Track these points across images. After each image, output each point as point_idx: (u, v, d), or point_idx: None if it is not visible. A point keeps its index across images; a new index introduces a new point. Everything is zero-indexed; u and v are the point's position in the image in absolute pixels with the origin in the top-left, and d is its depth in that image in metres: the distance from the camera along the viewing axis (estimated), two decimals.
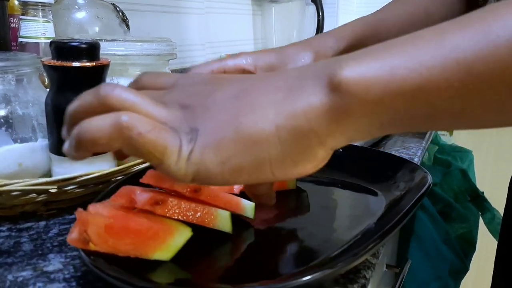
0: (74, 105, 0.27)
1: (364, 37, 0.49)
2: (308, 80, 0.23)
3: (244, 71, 0.42)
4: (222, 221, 0.34)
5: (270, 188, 0.34)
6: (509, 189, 0.70)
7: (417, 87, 0.21)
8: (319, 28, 1.51)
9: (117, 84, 0.26)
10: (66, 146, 0.26)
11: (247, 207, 0.37)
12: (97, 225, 0.27)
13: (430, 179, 0.40)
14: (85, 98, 0.27)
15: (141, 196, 0.33)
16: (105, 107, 0.25)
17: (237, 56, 0.42)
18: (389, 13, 0.55)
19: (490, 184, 1.23)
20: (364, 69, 0.22)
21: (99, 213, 0.28)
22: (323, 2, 1.54)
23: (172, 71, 0.55)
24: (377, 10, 0.56)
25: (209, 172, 0.24)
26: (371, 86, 0.21)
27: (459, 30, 0.21)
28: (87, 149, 0.25)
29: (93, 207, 0.29)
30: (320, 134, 0.23)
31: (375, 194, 0.43)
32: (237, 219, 0.36)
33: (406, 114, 0.22)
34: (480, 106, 0.21)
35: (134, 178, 0.42)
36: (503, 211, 0.73)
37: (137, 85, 0.31)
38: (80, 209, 0.28)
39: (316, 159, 0.24)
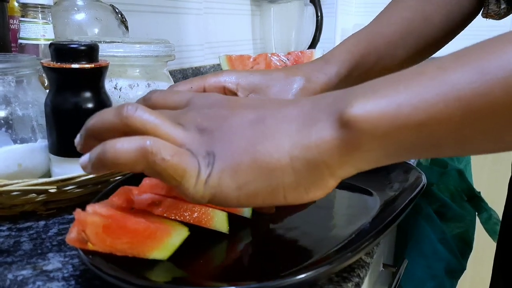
0: (95, 120, 0.28)
1: (362, 57, 0.49)
2: (320, 113, 0.25)
3: (225, 89, 0.42)
4: (218, 221, 0.35)
5: None
6: (509, 189, 0.71)
7: (421, 122, 0.22)
8: (318, 28, 1.52)
9: (137, 105, 0.27)
10: (85, 161, 0.27)
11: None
12: (95, 225, 0.28)
13: (424, 179, 0.41)
14: (107, 116, 0.27)
15: (139, 196, 0.34)
16: (126, 128, 0.26)
17: (219, 74, 0.42)
18: (385, 22, 0.53)
19: (487, 184, 1.24)
20: (372, 107, 0.23)
21: (97, 213, 0.28)
22: (321, 2, 1.54)
23: (171, 72, 0.56)
24: (373, 20, 0.55)
25: (226, 196, 0.25)
26: (378, 122, 0.23)
27: (460, 67, 0.22)
28: (108, 168, 0.26)
29: (91, 207, 0.29)
30: (331, 166, 0.25)
31: (370, 194, 0.43)
32: (234, 219, 0.36)
33: (411, 145, 0.24)
34: (480, 137, 0.23)
35: (132, 179, 0.43)
36: (499, 211, 0.74)
37: (148, 103, 0.31)
38: (78, 209, 0.28)
39: (327, 187, 0.26)
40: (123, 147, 0.25)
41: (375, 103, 0.23)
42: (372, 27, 0.53)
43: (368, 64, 0.49)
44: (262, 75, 0.43)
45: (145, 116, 0.26)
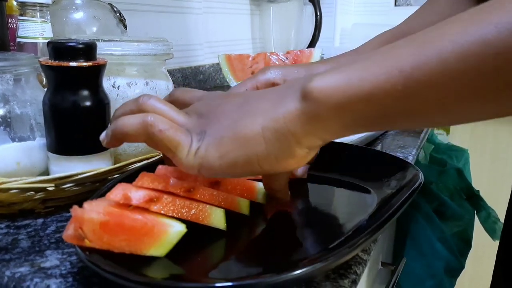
0: (119, 110, 0.35)
1: None
2: (289, 91, 0.29)
3: (274, 84, 0.45)
4: (216, 218, 0.35)
5: (286, 185, 0.38)
6: None
7: (369, 93, 0.26)
8: (317, 28, 1.52)
9: (152, 95, 0.34)
10: (102, 135, 0.34)
11: (242, 203, 0.38)
12: (92, 222, 0.28)
13: (421, 177, 0.41)
14: (128, 104, 0.35)
15: (136, 193, 0.34)
16: (140, 111, 0.32)
17: (267, 71, 0.47)
18: (412, 24, 0.59)
19: (485, 183, 1.24)
20: (327, 80, 0.27)
21: (94, 210, 0.28)
22: (321, 2, 1.54)
23: (170, 71, 0.56)
24: (401, 23, 0.60)
25: (211, 164, 0.29)
26: (332, 93, 0.26)
27: (407, 43, 0.26)
28: (118, 139, 0.33)
29: (88, 205, 0.30)
30: (296, 135, 0.28)
31: (368, 192, 0.44)
32: (231, 216, 0.36)
33: (365, 117, 0.27)
34: (425, 108, 0.25)
35: (130, 177, 0.43)
36: (498, 209, 0.74)
37: (171, 98, 0.39)
38: (75, 206, 0.28)
39: (296, 157, 0.29)
40: (129, 121, 0.31)
41: (330, 77, 0.27)
42: (402, 27, 0.59)
43: None
44: (306, 69, 0.47)
45: (155, 103, 0.32)
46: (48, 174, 0.47)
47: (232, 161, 0.29)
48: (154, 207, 0.34)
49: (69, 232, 0.28)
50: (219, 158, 0.29)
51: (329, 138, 0.29)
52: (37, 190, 0.41)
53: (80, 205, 0.30)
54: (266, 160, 0.28)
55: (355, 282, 0.33)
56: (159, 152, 0.43)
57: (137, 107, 0.33)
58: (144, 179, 0.34)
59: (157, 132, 0.30)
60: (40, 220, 0.42)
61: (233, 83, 1.18)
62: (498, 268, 0.70)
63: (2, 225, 0.41)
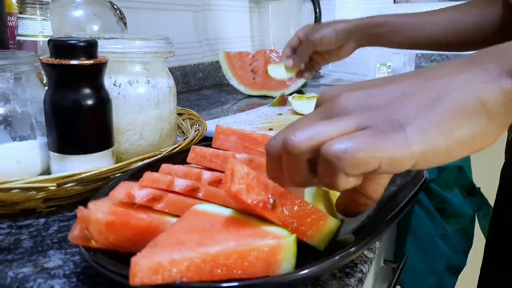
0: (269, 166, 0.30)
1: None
2: (487, 65, 0.27)
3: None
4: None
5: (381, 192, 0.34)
6: (501, 177, 0.72)
7: None
8: None
9: (293, 132, 0.27)
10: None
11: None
12: (98, 222, 0.27)
13: (426, 174, 0.41)
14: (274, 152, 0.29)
15: (140, 192, 0.34)
16: (303, 156, 0.27)
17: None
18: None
19: (486, 180, 1.24)
20: None
21: (99, 211, 0.28)
22: None
23: (169, 68, 0.55)
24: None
25: (435, 148, 0.26)
26: None
27: None
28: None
29: (93, 205, 0.29)
30: None
31: None
32: None
33: None
34: None
35: (132, 175, 0.43)
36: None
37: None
38: (81, 207, 0.28)
39: (507, 126, 0.28)
40: (343, 181, 0.26)
41: None
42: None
43: (390, 27, 0.80)
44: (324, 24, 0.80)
45: (306, 135, 0.27)
46: (49, 173, 0.47)
47: (459, 140, 0.26)
48: (158, 206, 0.34)
49: (75, 233, 0.28)
50: (444, 138, 0.26)
51: None
52: (38, 189, 0.41)
53: (83, 204, 0.30)
54: (488, 132, 0.27)
55: (361, 280, 0.33)
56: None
57: (292, 156, 0.27)
58: (147, 180, 0.34)
59: (348, 159, 0.25)
60: (42, 220, 0.42)
61: (232, 80, 1.18)
62: (488, 247, 0.72)
63: (4, 225, 0.41)
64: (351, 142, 0.25)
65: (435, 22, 0.78)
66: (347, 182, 0.26)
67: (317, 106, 0.31)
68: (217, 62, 1.37)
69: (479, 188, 0.96)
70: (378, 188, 0.31)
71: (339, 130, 0.26)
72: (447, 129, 0.26)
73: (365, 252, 0.36)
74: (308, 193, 0.36)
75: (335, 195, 0.37)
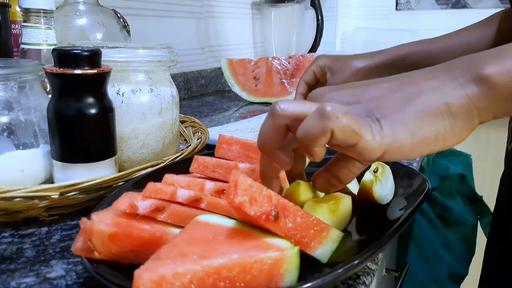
0: (265, 129, 0.32)
1: (408, 53, 0.74)
2: (456, 72, 0.31)
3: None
4: None
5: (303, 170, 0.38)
6: (500, 184, 0.72)
7: None
8: (318, 32, 1.52)
9: (280, 103, 0.30)
10: (283, 160, 0.32)
11: None
12: (101, 234, 0.27)
13: (428, 185, 0.41)
14: (265, 123, 0.31)
15: (143, 202, 0.34)
16: (285, 122, 0.30)
17: (318, 59, 0.66)
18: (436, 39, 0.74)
19: (489, 188, 1.24)
20: (501, 67, 0.29)
21: (102, 222, 0.28)
22: (322, 6, 1.54)
23: (172, 75, 0.55)
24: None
25: (401, 143, 0.29)
26: (508, 79, 0.29)
27: None
28: (306, 150, 0.30)
29: (96, 216, 0.29)
30: (480, 109, 0.30)
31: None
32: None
33: None
34: None
35: (135, 184, 0.43)
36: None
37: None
38: (84, 219, 0.28)
39: (472, 129, 0.31)
40: (307, 125, 0.28)
41: (504, 64, 0.30)
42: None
43: (412, 60, 0.74)
44: (341, 62, 0.70)
45: (292, 108, 0.30)
46: (52, 181, 0.47)
47: (422, 139, 0.29)
48: (161, 217, 0.34)
49: (78, 245, 0.28)
50: (410, 136, 0.29)
51: (500, 116, 0.31)
52: (41, 198, 0.41)
53: (85, 213, 0.30)
54: (451, 134, 0.30)
55: None
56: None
57: (275, 116, 0.30)
58: (150, 190, 0.34)
59: (343, 117, 0.27)
60: (44, 229, 0.42)
61: (235, 87, 1.18)
62: (489, 247, 0.72)
63: (6, 234, 0.41)
64: (344, 109, 0.28)
65: (454, 47, 0.77)
66: (321, 147, 0.29)
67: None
68: (219, 68, 1.38)
69: (481, 196, 0.96)
70: (349, 174, 0.34)
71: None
72: (413, 129, 0.29)
73: (368, 264, 0.36)
74: (308, 205, 0.36)
75: (335, 209, 0.37)
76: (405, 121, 0.29)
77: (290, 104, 0.30)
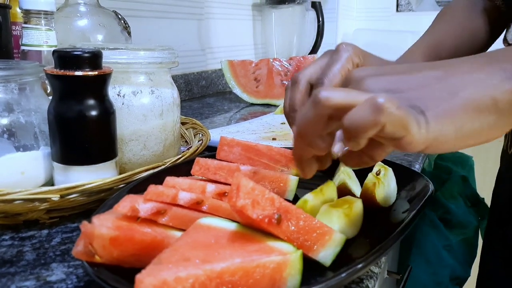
0: (304, 118, 0.30)
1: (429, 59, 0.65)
2: (504, 65, 0.29)
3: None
4: None
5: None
6: (496, 183, 0.71)
7: None
8: (319, 33, 1.52)
9: (321, 90, 0.28)
10: (337, 148, 0.31)
11: None
12: (102, 237, 0.27)
13: (432, 188, 0.40)
14: (307, 108, 0.29)
15: (144, 205, 0.33)
16: (327, 111, 0.28)
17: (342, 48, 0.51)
18: (440, 34, 0.67)
19: (490, 190, 1.23)
20: None
21: (103, 225, 0.28)
22: (323, 7, 1.54)
23: (173, 77, 0.55)
24: (430, 29, 0.68)
25: (445, 138, 0.28)
26: None
27: None
28: (355, 140, 0.28)
29: (97, 219, 0.29)
30: None
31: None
32: None
33: None
34: None
35: (136, 187, 0.42)
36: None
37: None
38: (85, 222, 0.28)
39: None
40: (357, 114, 0.27)
41: None
42: (433, 36, 0.66)
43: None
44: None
45: (337, 97, 0.28)
46: (52, 184, 0.47)
47: (467, 133, 0.29)
48: (162, 220, 0.33)
49: (79, 249, 0.28)
50: (454, 131, 0.28)
51: None
52: (41, 200, 0.41)
53: (86, 216, 0.30)
54: (495, 128, 0.29)
55: None
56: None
57: (319, 106, 0.28)
58: (152, 193, 0.34)
59: (396, 111, 0.26)
60: (44, 231, 0.41)
61: (235, 89, 1.18)
62: (486, 244, 0.71)
63: (6, 237, 0.40)
64: (391, 99, 0.26)
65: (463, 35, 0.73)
66: (365, 137, 0.27)
67: (345, 84, 0.33)
68: (220, 70, 1.38)
69: (483, 198, 0.96)
70: (383, 154, 0.33)
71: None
72: (459, 123, 0.28)
73: (372, 267, 0.35)
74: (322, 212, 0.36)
75: (350, 213, 0.36)
76: (451, 115, 0.28)
77: (334, 93, 0.28)
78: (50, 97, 0.45)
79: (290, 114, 0.44)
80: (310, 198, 0.38)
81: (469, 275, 0.90)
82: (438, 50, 0.64)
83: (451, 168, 0.91)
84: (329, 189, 0.40)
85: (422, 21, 0.82)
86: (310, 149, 0.31)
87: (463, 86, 0.29)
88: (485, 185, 1.21)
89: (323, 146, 0.30)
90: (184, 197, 0.34)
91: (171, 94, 0.54)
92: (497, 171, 0.74)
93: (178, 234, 0.33)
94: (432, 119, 0.28)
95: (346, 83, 0.32)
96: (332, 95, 0.28)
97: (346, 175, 0.43)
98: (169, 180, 0.39)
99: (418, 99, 0.29)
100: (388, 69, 0.32)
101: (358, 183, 0.44)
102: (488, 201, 0.97)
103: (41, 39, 0.53)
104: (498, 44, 0.64)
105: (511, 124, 0.29)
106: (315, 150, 0.31)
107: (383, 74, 0.31)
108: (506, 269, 0.66)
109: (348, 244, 0.35)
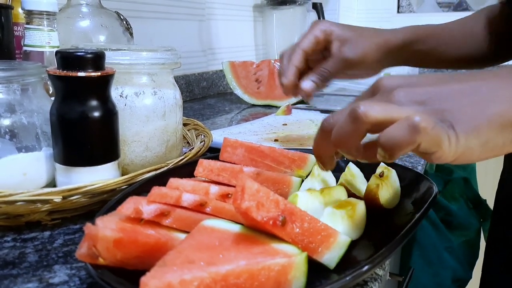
0: (337, 134, 0.32)
1: (426, 36, 0.66)
2: None
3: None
4: None
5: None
6: (499, 184, 0.71)
7: None
8: None
9: (363, 103, 0.29)
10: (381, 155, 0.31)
11: None
12: (105, 239, 0.27)
13: (436, 190, 0.40)
14: (345, 126, 0.31)
15: (148, 207, 0.33)
16: (366, 126, 0.30)
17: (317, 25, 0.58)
18: (450, 24, 0.69)
19: (492, 191, 1.23)
20: None
21: (107, 227, 0.28)
22: (324, 8, 1.54)
23: (174, 77, 0.55)
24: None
25: (471, 152, 0.29)
26: None
27: None
28: (391, 155, 0.29)
29: (101, 221, 0.29)
30: None
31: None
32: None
33: None
34: None
35: (138, 188, 0.42)
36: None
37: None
38: (88, 224, 0.28)
39: None
40: (395, 132, 0.28)
41: None
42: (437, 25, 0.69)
43: (428, 44, 0.66)
44: (353, 31, 0.60)
45: (376, 113, 0.29)
46: (54, 185, 0.46)
47: (491, 147, 0.30)
48: (166, 221, 0.33)
49: (82, 251, 0.28)
50: (480, 146, 0.29)
51: None
52: (44, 202, 0.41)
53: (88, 217, 0.29)
54: None
55: None
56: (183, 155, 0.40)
57: (358, 122, 0.30)
58: (155, 195, 0.34)
59: (432, 131, 0.28)
60: (47, 233, 0.41)
61: (237, 90, 1.18)
62: (490, 245, 0.71)
63: (9, 238, 0.40)
64: (426, 118, 0.28)
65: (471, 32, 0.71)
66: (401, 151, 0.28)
67: (373, 92, 0.34)
68: (221, 71, 1.37)
69: (485, 200, 0.96)
70: (403, 154, 0.33)
71: (407, 112, 0.29)
72: (484, 138, 0.29)
73: (376, 270, 0.35)
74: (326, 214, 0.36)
75: (353, 215, 0.36)
76: (478, 130, 0.29)
77: (373, 108, 0.29)
78: (52, 98, 0.45)
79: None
80: (302, 195, 0.38)
81: (471, 277, 0.90)
82: (438, 29, 0.67)
83: (452, 170, 0.91)
84: (332, 191, 0.40)
85: (423, 22, 0.82)
86: (329, 144, 0.32)
87: (490, 102, 0.30)
88: (486, 187, 1.21)
89: (357, 155, 0.32)
90: (188, 198, 0.34)
91: (173, 95, 0.54)
92: (498, 173, 0.74)
93: (181, 236, 0.33)
94: (461, 134, 0.29)
95: (375, 90, 0.33)
96: (371, 110, 0.29)
97: (350, 176, 0.43)
98: (173, 181, 0.39)
99: (447, 113, 0.30)
100: (417, 80, 0.33)
101: (365, 181, 0.44)
102: (489, 203, 0.97)
103: (43, 39, 0.53)
104: None
105: None
106: (350, 157, 0.32)
107: (412, 86, 0.32)
108: (510, 272, 0.66)
109: (352, 246, 0.35)
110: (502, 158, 0.74)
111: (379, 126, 0.29)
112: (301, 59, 0.59)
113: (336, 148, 0.33)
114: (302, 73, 0.60)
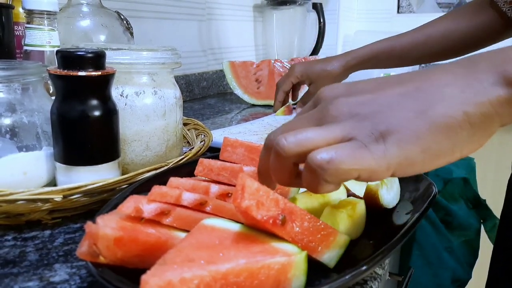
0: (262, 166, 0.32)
1: (381, 52, 0.85)
2: (480, 75, 0.28)
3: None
4: None
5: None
6: (508, 187, 0.71)
7: None
8: (320, 35, 1.52)
9: (281, 134, 0.29)
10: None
11: None
12: (106, 238, 0.27)
13: (435, 189, 0.40)
14: (267, 155, 0.31)
15: (148, 206, 0.33)
16: (291, 159, 0.29)
17: (293, 69, 0.82)
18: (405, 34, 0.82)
19: (492, 192, 1.23)
20: None
21: (108, 226, 0.28)
22: (324, 9, 1.54)
23: (174, 77, 0.55)
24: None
25: (411, 160, 0.27)
26: None
27: None
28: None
29: (101, 220, 0.29)
30: (502, 117, 0.27)
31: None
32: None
33: None
34: None
35: (139, 187, 0.42)
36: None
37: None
38: (89, 222, 0.28)
39: (491, 135, 0.29)
40: (307, 180, 0.28)
41: None
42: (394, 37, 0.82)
43: (382, 57, 0.84)
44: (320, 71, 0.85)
45: (294, 147, 0.28)
46: (55, 184, 0.46)
47: (437, 153, 0.27)
48: (166, 220, 0.33)
49: (83, 249, 0.28)
50: (421, 152, 0.27)
51: None
52: (44, 201, 0.41)
53: (88, 216, 0.29)
54: (469, 144, 0.28)
55: None
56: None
57: (281, 159, 0.29)
58: (156, 194, 0.34)
59: (337, 165, 0.26)
60: (47, 232, 0.41)
61: (237, 90, 1.18)
62: (494, 266, 0.71)
63: (9, 237, 0.40)
64: (335, 154, 0.26)
65: (434, 36, 0.82)
66: (328, 188, 0.28)
67: (314, 102, 0.32)
68: (221, 71, 1.38)
69: (485, 200, 0.96)
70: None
71: (326, 140, 0.28)
72: (426, 144, 0.27)
73: (375, 269, 0.35)
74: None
75: (353, 214, 0.36)
76: (417, 136, 0.27)
77: (291, 142, 0.28)
78: (53, 97, 0.45)
79: None
80: (300, 198, 0.38)
81: (471, 277, 0.90)
82: (392, 43, 0.83)
83: (452, 170, 0.91)
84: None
85: (423, 22, 0.82)
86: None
87: (432, 103, 0.27)
88: (486, 187, 1.21)
89: (298, 183, 0.31)
90: (188, 197, 0.34)
91: (173, 94, 0.54)
92: (498, 173, 0.74)
93: (181, 235, 0.33)
94: (393, 143, 0.27)
95: (316, 102, 0.32)
96: (289, 146, 0.28)
97: None
98: (173, 180, 0.39)
99: (382, 123, 0.27)
100: (358, 87, 0.31)
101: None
102: (489, 203, 0.97)
103: (43, 39, 0.53)
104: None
105: (487, 135, 0.28)
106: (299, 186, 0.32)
107: (352, 94, 0.30)
108: None
109: (352, 246, 0.35)
110: (508, 159, 0.74)
111: (304, 156, 0.28)
112: (284, 95, 0.97)
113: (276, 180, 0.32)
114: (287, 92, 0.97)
